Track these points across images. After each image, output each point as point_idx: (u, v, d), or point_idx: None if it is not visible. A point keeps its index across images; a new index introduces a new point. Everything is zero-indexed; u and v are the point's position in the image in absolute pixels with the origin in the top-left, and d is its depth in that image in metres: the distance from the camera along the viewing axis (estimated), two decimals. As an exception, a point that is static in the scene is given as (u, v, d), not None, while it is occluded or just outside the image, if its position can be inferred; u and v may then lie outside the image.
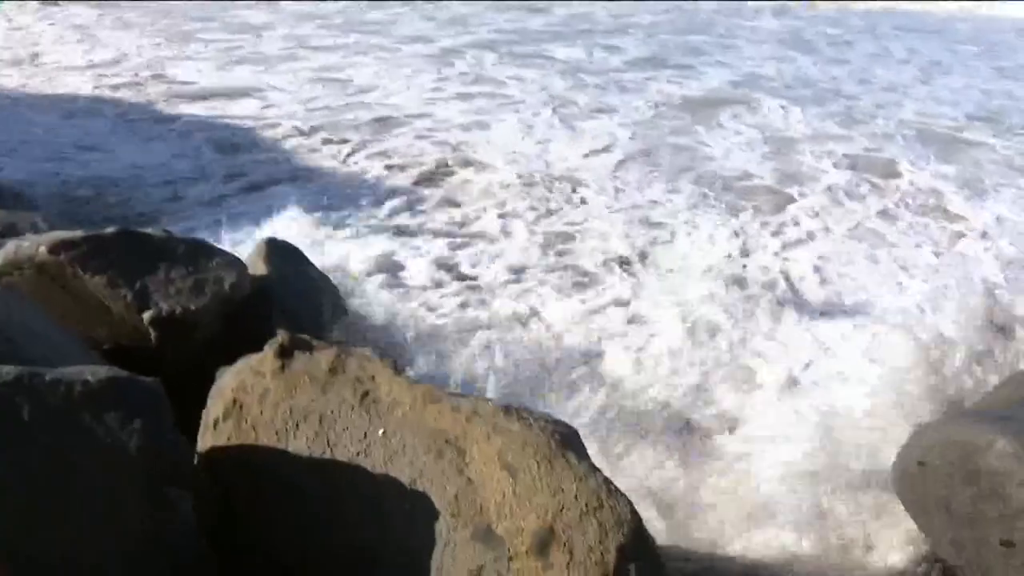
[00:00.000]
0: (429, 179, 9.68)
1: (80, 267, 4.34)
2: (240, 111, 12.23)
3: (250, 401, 3.09)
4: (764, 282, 7.07)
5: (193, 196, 8.81)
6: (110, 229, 4.65)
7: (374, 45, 17.25)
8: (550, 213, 8.68)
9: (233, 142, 10.73)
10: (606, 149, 11.02)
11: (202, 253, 4.55)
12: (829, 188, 9.84)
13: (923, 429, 4.02)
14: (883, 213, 9.06)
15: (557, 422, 3.13)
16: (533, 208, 8.75)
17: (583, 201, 9.08)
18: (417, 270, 7.03)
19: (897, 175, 10.48)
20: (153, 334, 4.31)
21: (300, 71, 14.91)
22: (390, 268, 6.98)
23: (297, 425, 3.02)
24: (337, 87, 13.88)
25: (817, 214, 8.97)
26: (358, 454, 2.94)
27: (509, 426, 2.96)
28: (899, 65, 18.35)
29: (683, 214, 8.74)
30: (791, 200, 9.43)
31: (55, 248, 4.41)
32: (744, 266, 7.46)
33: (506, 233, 8.11)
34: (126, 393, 2.61)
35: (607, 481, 2.96)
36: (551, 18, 22.78)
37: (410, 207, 8.69)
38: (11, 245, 4.52)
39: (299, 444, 2.99)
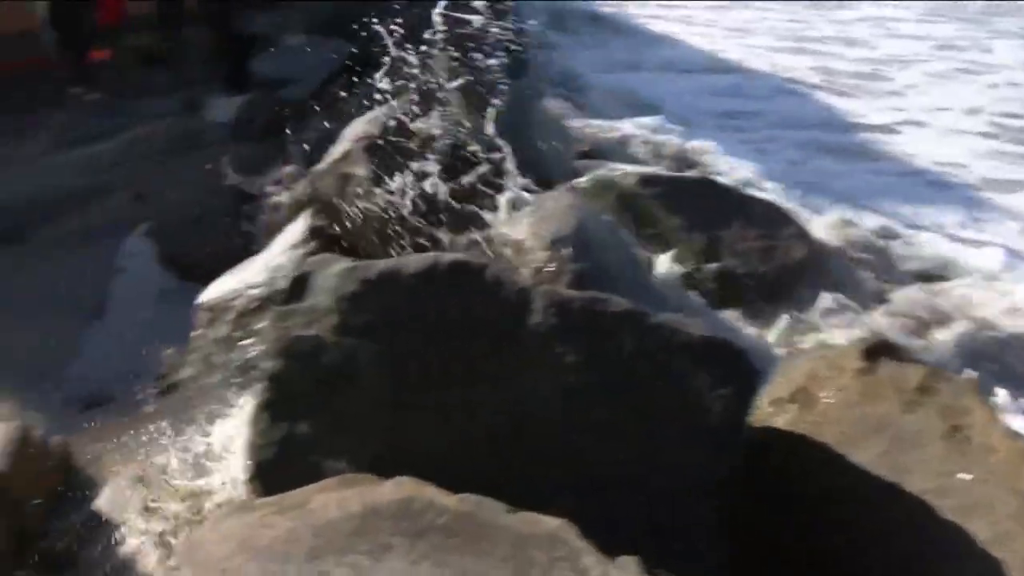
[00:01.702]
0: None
1: (661, 205, 4.48)
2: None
3: (822, 393, 2.94)
4: None
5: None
6: (693, 174, 4.74)
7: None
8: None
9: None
10: None
11: (778, 220, 4.44)
12: None
13: None
14: None
15: None
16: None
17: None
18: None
19: None
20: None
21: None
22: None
23: (867, 435, 2.80)
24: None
25: None
26: (930, 490, 2.66)
27: None
28: None
29: None
30: None
31: (641, 182, 4.60)
32: None
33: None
34: (723, 357, 2.59)
35: None
36: None
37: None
38: (600, 170, 4.81)
39: (865, 455, 2.78)
